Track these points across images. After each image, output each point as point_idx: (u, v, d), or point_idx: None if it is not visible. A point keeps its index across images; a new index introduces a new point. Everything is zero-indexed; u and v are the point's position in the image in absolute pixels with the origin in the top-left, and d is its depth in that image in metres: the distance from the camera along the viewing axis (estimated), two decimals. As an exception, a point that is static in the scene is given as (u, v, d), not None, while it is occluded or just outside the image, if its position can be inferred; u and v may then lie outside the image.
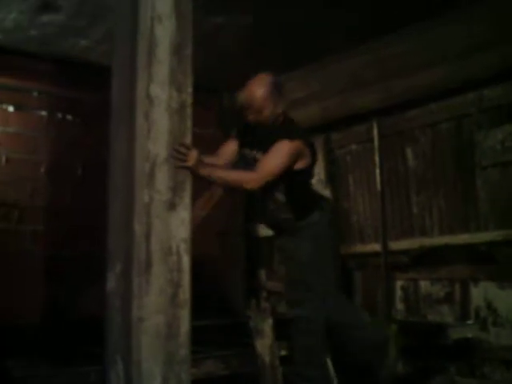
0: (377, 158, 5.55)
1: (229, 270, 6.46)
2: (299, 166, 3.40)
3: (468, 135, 4.96)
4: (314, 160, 3.56)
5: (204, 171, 3.07)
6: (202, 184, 3.18)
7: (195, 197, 3.03)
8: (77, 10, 4.59)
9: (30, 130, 5.51)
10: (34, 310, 5.15)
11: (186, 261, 2.88)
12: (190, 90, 3.00)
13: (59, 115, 5.68)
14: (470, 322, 4.77)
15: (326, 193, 5.54)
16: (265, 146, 3.34)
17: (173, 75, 2.95)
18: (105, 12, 4.51)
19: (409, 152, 5.37)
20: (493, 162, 4.75)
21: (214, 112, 6.16)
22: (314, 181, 3.77)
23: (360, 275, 5.65)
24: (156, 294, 2.77)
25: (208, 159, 3.27)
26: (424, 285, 5.15)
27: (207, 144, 3.31)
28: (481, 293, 4.76)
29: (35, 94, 5.57)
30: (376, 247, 5.50)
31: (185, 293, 2.86)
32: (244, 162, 3.49)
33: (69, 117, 5.72)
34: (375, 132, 5.58)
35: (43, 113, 5.60)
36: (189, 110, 2.99)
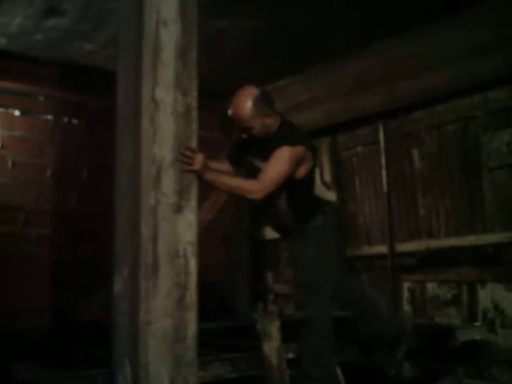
0: (383, 160, 5.55)
1: (233, 273, 6.47)
2: (300, 173, 3.38)
3: (474, 137, 4.95)
4: (315, 164, 3.54)
5: (209, 176, 3.07)
6: (207, 187, 3.17)
7: (201, 200, 3.02)
8: (81, 14, 4.61)
9: (35, 134, 5.54)
10: (39, 313, 5.16)
11: (192, 264, 2.89)
12: (195, 93, 3.00)
13: (65, 119, 5.70)
14: (477, 323, 4.75)
15: (331, 195, 5.53)
16: (265, 154, 3.30)
17: (178, 79, 2.95)
18: (109, 16, 4.53)
19: (415, 154, 5.36)
20: (499, 163, 4.75)
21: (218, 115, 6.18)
22: (316, 183, 3.76)
23: (366, 277, 5.63)
24: (163, 297, 2.78)
25: (214, 164, 3.28)
26: (431, 287, 5.14)
27: (213, 147, 3.31)
28: (488, 294, 4.74)
29: (41, 98, 5.59)
30: (382, 249, 5.50)
31: (192, 296, 2.86)
32: (247, 171, 3.49)
33: (74, 121, 5.74)
34: (381, 134, 5.58)
35: (49, 117, 5.63)
36: (194, 114, 2.99)
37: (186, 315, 2.83)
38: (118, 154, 3.07)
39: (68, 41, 5.10)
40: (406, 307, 5.28)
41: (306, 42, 5.09)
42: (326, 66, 5.63)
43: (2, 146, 5.36)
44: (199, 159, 2.96)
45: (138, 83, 2.91)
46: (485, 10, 4.59)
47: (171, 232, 2.84)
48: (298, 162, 3.32)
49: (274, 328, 3.56)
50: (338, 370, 3.60)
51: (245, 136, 3.40)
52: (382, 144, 5.58)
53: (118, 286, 2.92)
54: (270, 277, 6.39)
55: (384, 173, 5.53)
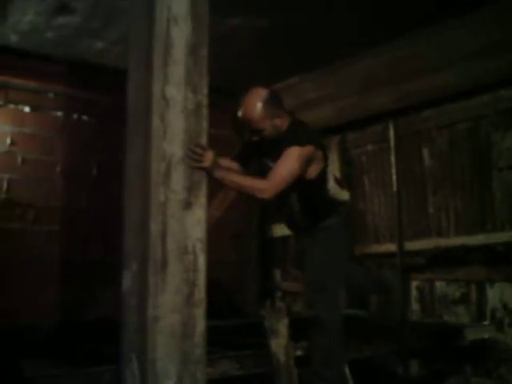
0: (393, 159, 5.54)
1: (243, 271, 6.47)
2: (311, 173, 3.38)
3: (485, 136, 4.94)
4: (327, 164, 3.53)
5: (218, 174, 3.06)
6: (216, 184, 3.17)
7: (209, 198, 3.02)
8: (91, 11, 4.62)
9: (45, 130, 5.56)
10: (47, 310, 5.18)
11: (201, 260, 2.88)
12: (205, 91, 2.99)
13: (75, 116, 5.72)
14: (486, 322, 4.74)
15: (344, 194, 5.51)
16: (276, 154, 3.29)
17: (188, 76, 2.94)
18: (119, 14, 4.54)
19: (425, 152, 5.35)
20: (509, 163, 4.73)
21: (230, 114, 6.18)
22: (330, 182, 3.76)
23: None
24: (172, 293, 2.78)
25: (224, 162, 3.28)
26: (440, 285, 5.12)
27: (223, 145, 3.30)
28: (497, 294, 4.73)
29: (51, 95, 5.61)
30: (392, 247, 5.49)
31: (200, 292, 2.86)
32: (258, 170, 3.48)
33: (84, 118, 5.75)
34: (391, 132, 5.57)
35: (59, 114, 5.65)
36: (205, 111, 2.98)
37: (195, 312, 2.83)
38: (128, 151, 3.07)
39: (78, 38, 5.11)
40: (415, 306, 5.27)
41: (317, 42, 5.09)
42: (336, 64, 5.63)
43: (12, 142, 5.38)
44: (209, 156, 2.95)
45: (148, 80, 2.91)
46: (488, 12, 4.59)
47: (180, 228, 2.84)
48: (307, 162, 3.31)
49: (282, 325, 3.56)
50: (347, 369, 3.61)
51: (256, 138, 3.40)
52: (392, 142, 5.57)
53: (127, 281, 2.93)
54: (278, 274, 6.39)
55: (394, 171, 5.52)
